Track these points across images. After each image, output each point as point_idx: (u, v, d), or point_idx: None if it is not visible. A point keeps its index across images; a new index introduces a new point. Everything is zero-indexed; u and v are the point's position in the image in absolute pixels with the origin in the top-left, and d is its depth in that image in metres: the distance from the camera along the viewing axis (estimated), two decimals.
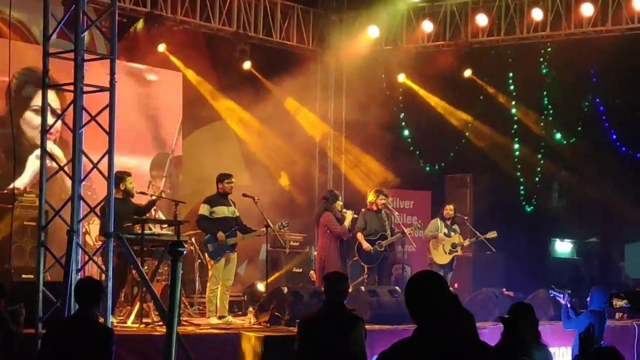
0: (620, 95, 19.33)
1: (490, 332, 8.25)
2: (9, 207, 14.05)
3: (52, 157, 10.80)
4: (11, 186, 14.66)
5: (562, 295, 12.32)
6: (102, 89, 10.58)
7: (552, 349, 10.35)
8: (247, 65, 19.57)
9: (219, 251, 14.07)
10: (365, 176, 21.17)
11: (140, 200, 14.19)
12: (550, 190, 22.00)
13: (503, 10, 19.70)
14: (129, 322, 12.64)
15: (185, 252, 6.78)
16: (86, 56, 10.48)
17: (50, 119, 10.79)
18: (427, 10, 20.43)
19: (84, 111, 10.32)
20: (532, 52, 20.15)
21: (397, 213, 17.12)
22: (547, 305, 14.89)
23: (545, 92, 20.65)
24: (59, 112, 12.39)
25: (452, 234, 17.40)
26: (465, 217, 18.41)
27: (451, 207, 17.71)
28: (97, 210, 11.28)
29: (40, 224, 10.52)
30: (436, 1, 20.22)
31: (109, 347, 7.84)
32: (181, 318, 12.72)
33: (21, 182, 16.02)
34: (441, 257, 17.27)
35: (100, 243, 12.57)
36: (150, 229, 13.59)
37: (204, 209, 14.27)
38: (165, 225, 14.16)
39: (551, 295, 13.07)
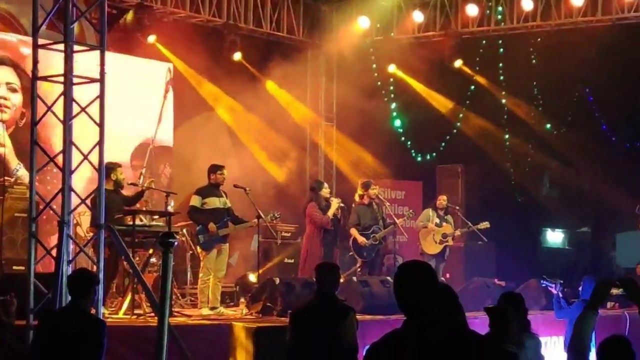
0: (610, 86, 19.33)
1: (481, 322, 8.25)
2: None
3: (42, 149, 10.75)
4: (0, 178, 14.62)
5: (553, 285, 12.33)
6: (92, 80, 10.55)
7: (543, 339, 10.37)
8: (237, 56, 19.53)
9: (211, 242, 14.06)
10: (356, 167, 21.18)
11: (129, 192, 14.17)
12: (541, 180, 22.02)
13: (493, 0, 19.69)
14: (121, 314, 12.61)
15: (176, 243, 6.76)
16: (75, 47, 10.44)
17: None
18: (418, 1, 20.43)
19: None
20: (523, 42, 20.15)
21: (388, 203, 17.11)
22: (539, 295, 14.91)
23: (535, 82, 20.65)
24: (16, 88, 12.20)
25: (444, 224, 17.40)
26: (457, 207, 18.40)
27: (444, 197, 17.72)
28: (88, 201, 11.25)
29: (30, 216, 10.50)
30: None
31: (100, 338, 7.83)
32: (173, 309, 12.71)
33: None
34: (431, 246, 17.27)
35: (91, 234, 12.55)
36: (141, 220, 13.57)
37: (195, 200, 14.25)
38: (157, 217, 14.13)
39: (543, 285, 13.08)
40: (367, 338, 9.52)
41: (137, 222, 13.16)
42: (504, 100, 21.06)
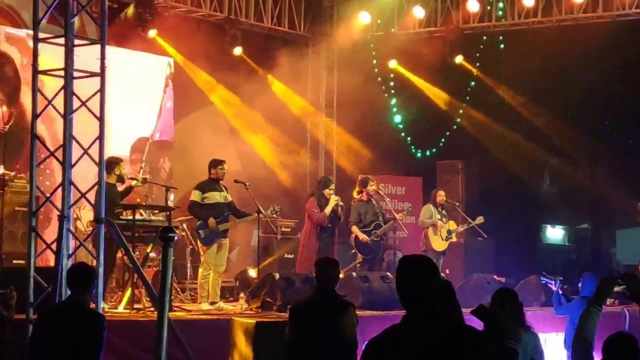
0: (612, 82, 19.32)
1: None
2: None
3: (42, 142, 10.74)
4: (1, 172, 14.61)
5: (553, 282, 12.32)
6: (92, 74, 10.54)
7: (543, 335, 10.37)
8: (238, 50, 19.52)
9: (211, 237, 14.06)
10: (357, 162, 21.17)
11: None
12: (542, 176, 22.01)
13: None
14: (121, 308, 12.62)
15: (176, 237, 6.77)
16: (76, 42, 10.43)
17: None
18: None
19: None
20: (524, 38, 20.13)
21: (388, 199, 17.11)
22: (539, 291, 14.90)
23: (536, 78, 20.63)
24: None
25: (445, 220, 17.43)
26: (457, 204, 18.39)
27: (442, 192, 17.72)
28: (92, 195, 11.24)
29: (31, 209, 10.50)
30: None
31: (100, 333, 7.82)
32: (172, 304, 12.71)
33: None
34: (439, 243, 17.30)
35: (91, 229, 12.55)
36: (141, 215, 13.57)
37: (195, 195, 14.26)
38: (157, 211, 14.13)
39: (543, 282, 13.07)
40: (366, 334, 9.52)
41: (137, 216, 13.17)
42: (504, 96, 21.04)
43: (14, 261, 13.56)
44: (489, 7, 19.84)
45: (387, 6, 20.68)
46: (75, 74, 10.34)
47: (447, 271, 17.57)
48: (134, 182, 13.97)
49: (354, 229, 15.94)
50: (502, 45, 20.83)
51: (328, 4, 21.42)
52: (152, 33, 18.18)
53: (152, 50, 18.71)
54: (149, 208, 14.20)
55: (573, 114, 20.45)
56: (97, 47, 10.55)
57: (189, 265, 16.27)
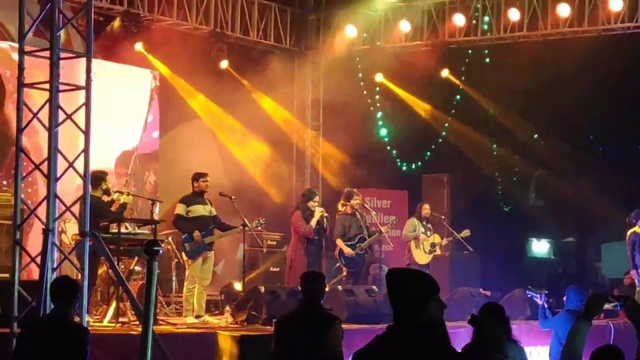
0: (597, 95, 19.38)
1: (467, 332, 8.26)
2: None
3: (27, 155, 10.72)
4: None
5: (539, 296, 12.33)
6: (78, 88, 10.52)
7: (528, 348, 10.39)
8: (224, 64, 19.53)
9: (197, 250, 14.05)
10: (343, 175, 21.17)
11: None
12: (527, 190, 22.06)
13: (480, 10, 19.72)
14: (105, 322, 12.58)
15: (161, 251, 6.73)
16: (62, 54, 10.41)
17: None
18: (404, 10, 20.42)
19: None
20: (509, 52, 20.18)
21: (374, 212, 17.14)
22: (524, 305, 14.92)
23: (521, 92, 20.68)
24: None
25: (429, 233, 17.46)
26: (442, 217, 18.42)
27: (427, 206, 17.73)
28: (75, 209, 11.21)
29: (15, 223, 10.46)
30: (413, 1, 20.20)
31: (84, 346, 7.81)
32: (158, 317, 12.68)
33: None
34: (422, 257, 17.32)
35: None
36: (126, 228, 13.54)
37: (180, 209, 14.25)
38: (142, 224, 14.10)
39: (528, 295, 13.09)
40: (352, 347, 9.46)
41: (122, 229, 13.14)
42: (490, 110, 21.08)
43: None
44: (474, 22, 19.86)
45: (373, 20, 20.68)
46: (61, 87, 10.32)
47: None
48: (122, 198, 13.88)
49: (339, 242, 15.92)
50: (487, 59, 20.88)
51: (314, 17, 21.44)
52: (138, 46, 18.18)
53: (137, 64, 18.70)
54: (134, 221, 14.18)
55: (559, 128, 20.51)
56: (83, 60, 10.54)
57: (174, 278, 16.24)
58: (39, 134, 10.53)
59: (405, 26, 20.33)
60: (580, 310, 11.26)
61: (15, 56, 11.00)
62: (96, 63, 11.22)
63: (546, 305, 12.12)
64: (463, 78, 20.96)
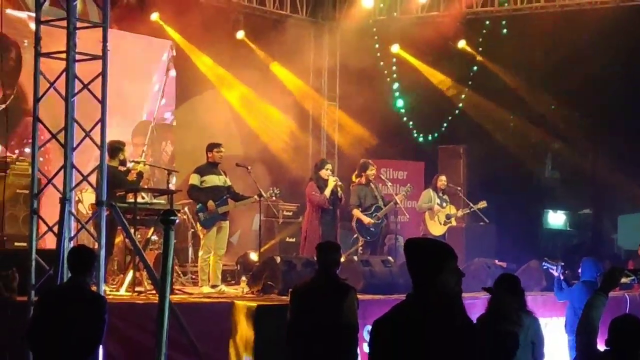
0: (615, 67, 19.28)
1: (482, 303, 8.27)
2: (1, 175, 14.07)
3: (45, 125, 10.73)
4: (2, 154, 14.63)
5: (555, 267, 12.32)
6: (94, 57, 10.52)
7: (544, 320, 10.38)
8: (240, 34, 19.50)
9: (211, 220, 14.06)
10: (359, 146, 21.15)
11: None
12: (544, 161, 22.00)
13: None
14: (122, 291, 12.65)
15: (177, 221, 6.74)
16: (78, 24, 10.40)
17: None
18: None
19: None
20: (527, 23, 20.09)
21: (390, 183, 17.13)
22: (540, 276, 14.89)
23: (539, 63, 20.59)
24: None
25: (444, 204, 17.44)
26: (459, 188, 18.40)
27: (444, 177, 17.71)
28: (92, 178, 11.23)
29: (32, 192, 10.50)
30: None
31: (101, 315, 7.83)
32: (174, 287, 12.72)
33: None
34: (437, 228, 17.31)
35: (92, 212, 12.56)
36: (143, 198, 13.57)
37: (194, 179, 14.25)
38: (158, 194, 14.14)
39: (544, 267, 13.07)
40: (367, 318, 9.55)
41: (139, 199, 13.18)
42: (507, 81, 21.00)
43: (16, 243, 13.60)
44: None
45: None
46: (78, 57, 10.32)
47: None
48: (139, 167, 13.92)
49: (356, 212, 15.86)
50: (504, 30, 20.79)
51: None
52: (154, 16, 18.16)
53: (154, 34, 18.69)
54: (151, 191, 14.22)
55: (576, 99, 20.42)
56: (96, 29, 10.54)
57: (190, 248, 16.28)
58: (56, 105, 10.48)
59: None
60: (595, 282, 11.33)
61: (32, 26, 10.97)
62: (112, 33, 11.22)
63: (562, 277, 12.11)
64: (480, 49, 20.89)
